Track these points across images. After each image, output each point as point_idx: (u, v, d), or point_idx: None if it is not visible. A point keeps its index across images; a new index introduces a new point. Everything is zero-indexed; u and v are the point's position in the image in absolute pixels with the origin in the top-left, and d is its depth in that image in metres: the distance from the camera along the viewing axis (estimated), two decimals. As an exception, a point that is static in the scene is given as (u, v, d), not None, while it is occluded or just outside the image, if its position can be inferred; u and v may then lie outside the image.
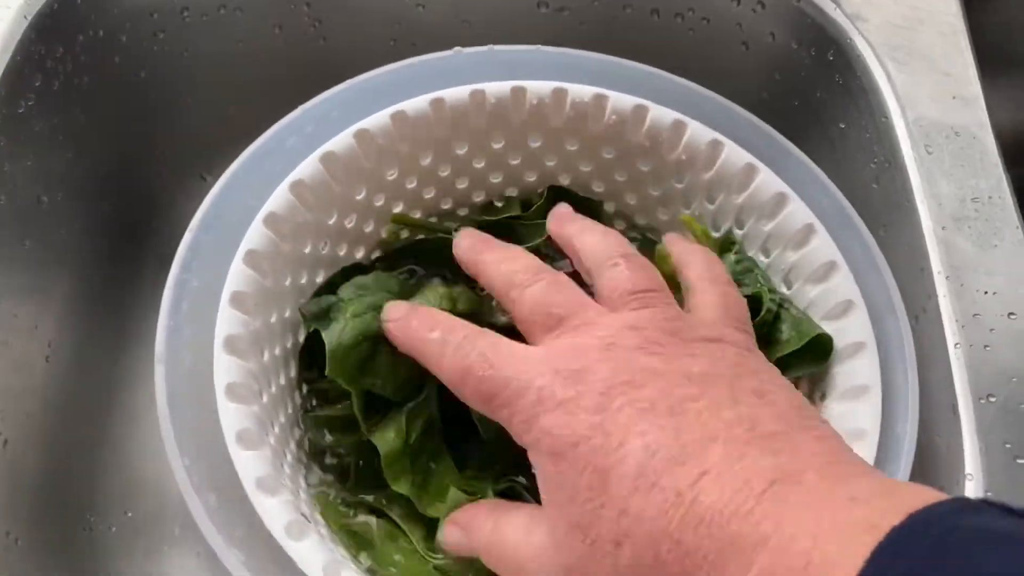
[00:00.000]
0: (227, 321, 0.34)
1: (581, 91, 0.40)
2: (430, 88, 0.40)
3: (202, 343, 0.33)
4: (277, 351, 0.37)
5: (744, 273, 0.39)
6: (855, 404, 0.34)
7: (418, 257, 0.43)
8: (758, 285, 0.38)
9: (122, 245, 0.53)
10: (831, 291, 0.36)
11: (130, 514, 0.47)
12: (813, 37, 0.47)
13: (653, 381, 0.27)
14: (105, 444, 0.48)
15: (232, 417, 0.32)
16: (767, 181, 0.38)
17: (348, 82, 0.40)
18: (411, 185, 0.42)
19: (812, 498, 0.23)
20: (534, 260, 0.34)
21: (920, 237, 0.39)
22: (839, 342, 0.36)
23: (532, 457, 0.28)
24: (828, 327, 0.36)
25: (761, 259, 0.40)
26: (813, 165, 0.39)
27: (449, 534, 0.33)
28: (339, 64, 0.42)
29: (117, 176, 0.52)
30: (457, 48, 0.41)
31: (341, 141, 0.38)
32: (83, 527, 0.46)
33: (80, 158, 0.49)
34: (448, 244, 0.39)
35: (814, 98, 0.49)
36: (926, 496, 0.22)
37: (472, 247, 0.37)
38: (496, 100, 0.40)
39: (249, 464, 0.31)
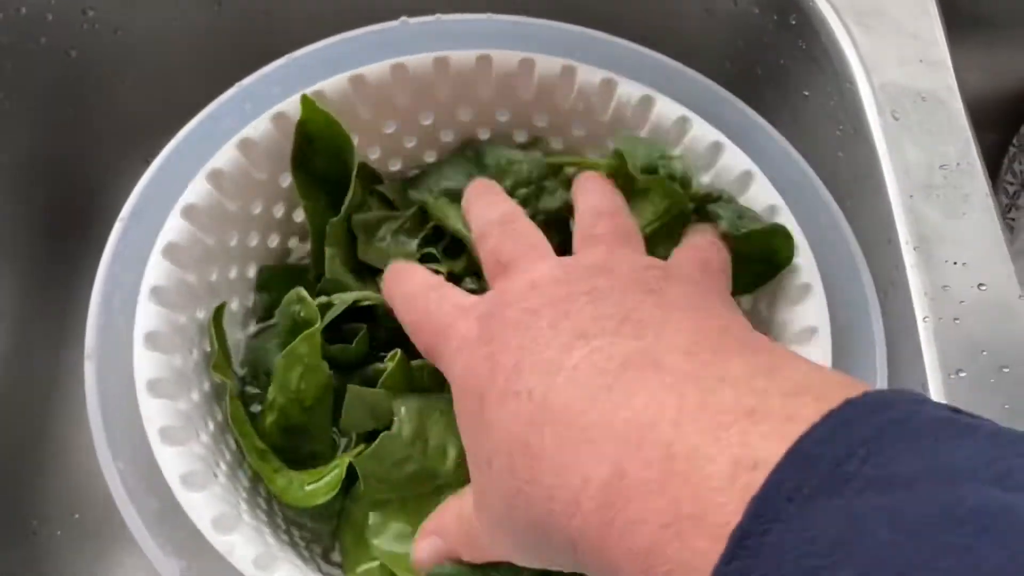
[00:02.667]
0: (147, 316, 0.32)
1: (509, 57, 0.38)
2: (374, 61, 0.38)
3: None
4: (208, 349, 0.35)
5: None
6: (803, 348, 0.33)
7: None
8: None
9: (62, 236, 0.50)
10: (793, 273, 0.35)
11: (77, 516, 0.45)
12: (776, 1, 0.46)
13: (551, 304, 0.25)
14: (47, 444, 0.46)
15: (155, 413, 0.30)
16: (733, 157, 0.37)
17: (287, 57, 0.38)
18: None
19: (674, 380, 0.20)
20: (508, 207, 0.33)
21: (887, 207, 0.38)
22: (798, 324, 0.34)
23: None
24: (787, 312, 0.35)
25: None
26: (777, 135, 0.38)
27: (421, 549, 0.30)
28: (284, 38, 0.40)
29: (52, 163, 0.49)
30: (403, 18, 0.39)
31: (259, 126, 0.36)
32: (27, 532, 0.44)
33: (8, 145, 0.46)
34: None
35: (777, 65, 0.47)
36: (822, 382, 0.19)
37: (469, 193, 0.36)
38: (459, 68, 0.38)
39: (173, 460, 0.29)
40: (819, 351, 0.32)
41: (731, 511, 0.17)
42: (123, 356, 0.31)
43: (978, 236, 0.37)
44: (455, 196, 0.37)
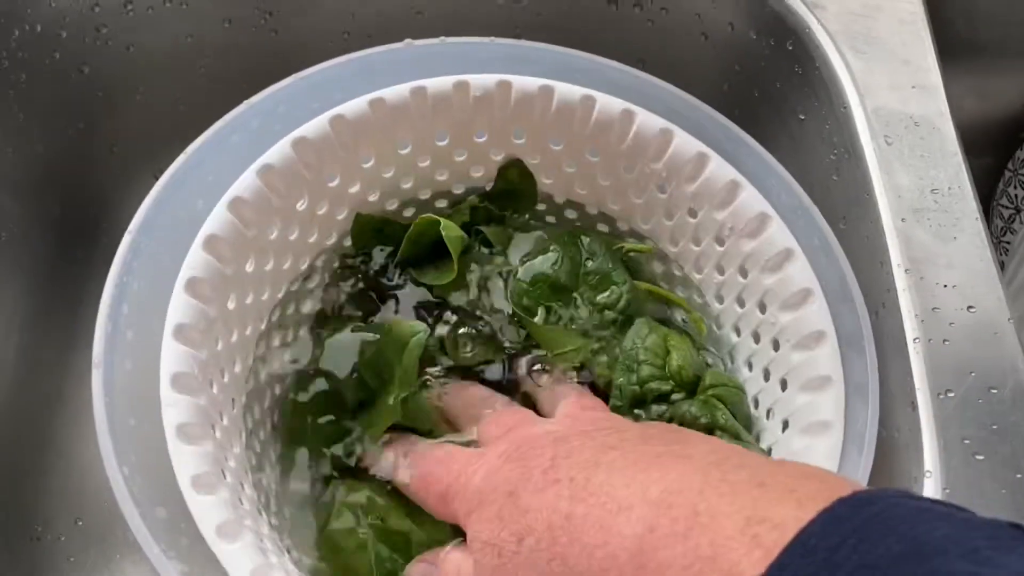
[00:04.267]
0: (171, 358, 0.32)
1: (527, 83, 0.39)
2: (379, 82, 0.39)
3: (143, 347, 0.32)
4: (226, 379, 0.36)
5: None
6: (817, 396, 0.34)
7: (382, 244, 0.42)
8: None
9: (71, 247, 0.51)
10: (787, 279, 0.36)
11: (81, 523, 0.46)
12: (772, 27, 0.47)
13: (576, 435, 0.30)
14: (53, 450, 0.47)
15: (172, 411, 0.31)
16: (750, 198, 0.38)
17: (293, 76, 0.39)
18: (352, 190, 0.41)
19: (701, 465, 0.25)
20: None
21: (879, 230, 0.39)
22: (798, 332, 0.35)
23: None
24: (785, 316, 0.36)
25: (716, 248, 0.40)
26: (771, 158, 0.38)
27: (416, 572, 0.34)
28: (292, 57, 0.41)
29: (64, 176, 0.50)
30: (408, 40, 0.40)
31: (279, 151, 0.37)
32: (30, 537, 0.44)
33: (22, 157, 0.47)
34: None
35: (774, 89, 0.48)
36: (841, 485, 0.22)
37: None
38: (441, 94, 0.39)
39: (187, 462, 0.30)
40: (832, 401, 0.34)
41: (740, 554, 0.20)
42: (129, 365, 0.32)
43: (968, 259, 0.38)
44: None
